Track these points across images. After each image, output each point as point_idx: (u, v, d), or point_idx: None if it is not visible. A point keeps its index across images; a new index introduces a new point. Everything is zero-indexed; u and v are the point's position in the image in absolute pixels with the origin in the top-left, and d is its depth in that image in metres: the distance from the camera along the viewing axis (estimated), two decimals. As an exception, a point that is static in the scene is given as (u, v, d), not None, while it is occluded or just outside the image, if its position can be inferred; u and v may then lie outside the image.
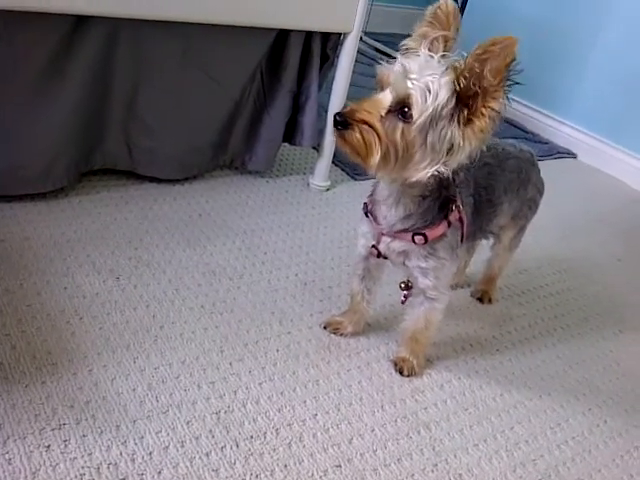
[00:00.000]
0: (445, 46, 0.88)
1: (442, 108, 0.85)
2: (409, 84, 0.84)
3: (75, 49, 1.27)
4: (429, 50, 0.88)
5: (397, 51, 0.93)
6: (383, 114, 0.86)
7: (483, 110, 0.84)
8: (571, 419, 1.13)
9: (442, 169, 0.89)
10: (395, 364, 1.14)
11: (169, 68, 1.42)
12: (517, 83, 0.83)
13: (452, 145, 0.87)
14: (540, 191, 1.28)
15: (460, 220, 1.01)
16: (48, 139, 1.33)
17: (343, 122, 0.86)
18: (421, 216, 0.98)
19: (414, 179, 0.90)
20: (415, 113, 0.85)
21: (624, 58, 2.33)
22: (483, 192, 1.08)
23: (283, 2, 1.42)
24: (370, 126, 0.86)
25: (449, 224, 0.99)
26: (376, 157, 0.87)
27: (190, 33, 1.39)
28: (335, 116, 0.87)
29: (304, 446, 0.95)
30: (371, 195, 1.04)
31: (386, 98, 0.87)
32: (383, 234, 1.01)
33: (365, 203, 1.05)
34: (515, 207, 1.22)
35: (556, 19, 2.51)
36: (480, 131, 0.86)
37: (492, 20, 2.56)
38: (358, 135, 0.86)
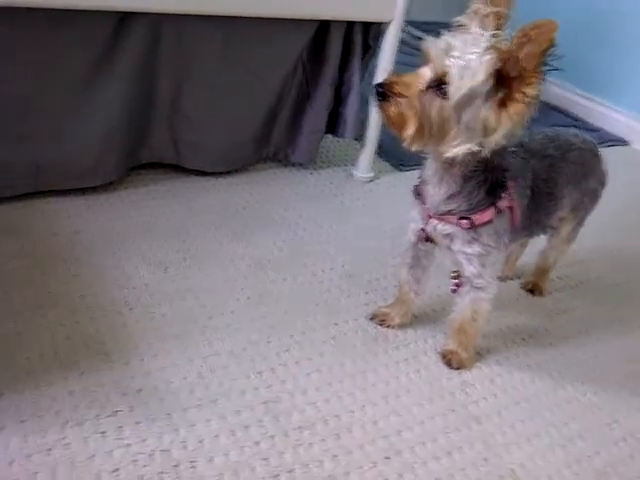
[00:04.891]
0: (497, 23, 0.86)
1: (479, 87, 0.84)
2: (447, 61, 0.84)
3: (120, 46, 1.29)
4: (480, 28, 0.86)
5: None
6: (422, 89, 0.87)
7: (517, 95, 0.83)
8: (628, 416, 1.09)
9: (476, 148, 0.88)
10: (443, 356, 1.12)
11: (211, 63, 1.43)
12: (556, 69, 0.81)
13: (487, 126, 0.86)
14: (602, 182, 1.24)
15: (510, 209, 0.98)
16: (97, 135, 1.36)
17: (382, 94, 0.88)
18: (465, 199, 0.96)
19: (449, 155, 0.90)
20: (452, 90, 0.84)
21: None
22: (542, 184, 1.06)
23: (324, -8, 1.41)
24: (406, 100, 0.87)
25: (498, 211, 0.97)
26: (410, 130, 0.88)
27: (231, 27, 1.39)
28: (376, 87, 0.89)
29: (353, 437, 0.94)
30: (420, 177, 1.03)
31: (426, 74, 0.87)
32: (430, 216, 1.00)
33: (415, 185, 1.04)
34: (576, 199, 1.19)
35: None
36: (515, 115, 0.85)
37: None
38: (395, 108, 0.88)
